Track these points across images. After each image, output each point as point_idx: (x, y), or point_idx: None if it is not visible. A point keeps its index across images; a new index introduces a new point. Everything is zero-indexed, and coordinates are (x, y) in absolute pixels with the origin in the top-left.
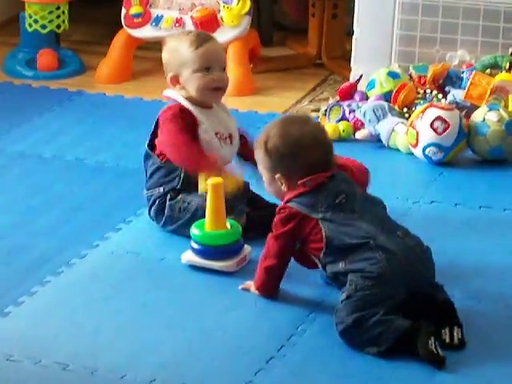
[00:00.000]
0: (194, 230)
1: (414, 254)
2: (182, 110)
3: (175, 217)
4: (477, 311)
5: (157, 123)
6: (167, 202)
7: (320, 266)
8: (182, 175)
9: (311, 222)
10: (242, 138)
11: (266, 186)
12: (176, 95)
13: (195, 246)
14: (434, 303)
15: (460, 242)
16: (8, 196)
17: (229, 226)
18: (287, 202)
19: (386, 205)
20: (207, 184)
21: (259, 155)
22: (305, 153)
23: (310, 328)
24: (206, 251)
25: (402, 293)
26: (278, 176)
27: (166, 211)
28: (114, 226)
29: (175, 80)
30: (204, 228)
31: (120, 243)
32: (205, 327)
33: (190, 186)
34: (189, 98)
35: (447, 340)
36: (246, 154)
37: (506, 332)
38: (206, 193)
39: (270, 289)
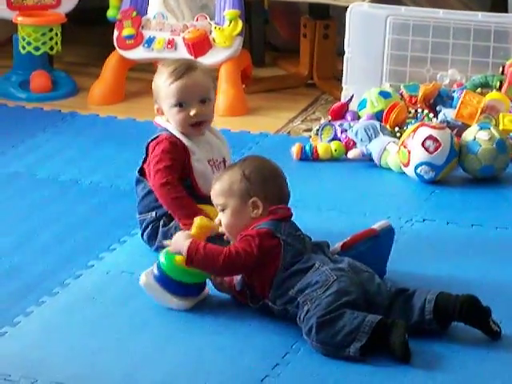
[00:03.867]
0: (162, 259)
1: (361, 270)
2: (172, 142)
3: None
4: (466, 329)
5: (147, 150)
6: (160, 229)
7: (270, 303)
8: None
9: (274, 241)
10: None
11: (229, 218)
12: (166, 124)
13: (158, 273)
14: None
15: (452, 260)
16: (2, 217)
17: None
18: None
19: (329, 244)
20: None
21: (228, 183)
22: (281, 181)
23: (305, 346)
24: (170, 283)
25: (359, 292)
26: (252, 200)
27: (158, 237)
28: (108, 246)
29: (160, 111)
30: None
31: (115, 263)
32: (199, 346)
33: None
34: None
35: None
36: None
37: (499, 348)
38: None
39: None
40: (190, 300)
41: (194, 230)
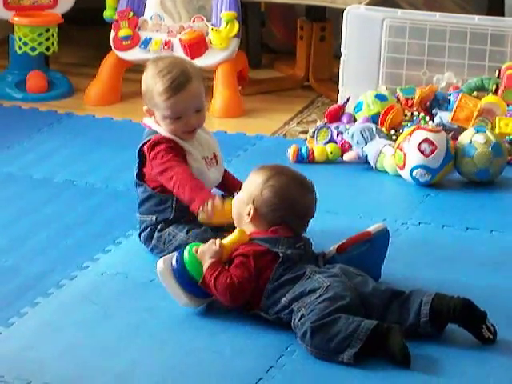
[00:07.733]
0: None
1: (354, 275)
2: (170, 141)
3: (160, 247)
4: (462, 333)
5: (140, 154)
6: (156, 233)
7: (262, 313)
8: (174, 205)
9: (269, 256)
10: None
11: (236, 203)
12: (156, 125)
13: (176, 266)
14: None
15: (447, 263)
16: None
17: None
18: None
19: (325, 254)
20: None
21: (252, 177)
22: (298, 209)
23: (299, 349)
24: (186, 280)
25: (353, 296)
26: (250, 207)
27: (153, 241)
28: (103, 247)
29: (150, 113)
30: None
31: (109, 264)
32: (194, 348)
33: (183, 216)
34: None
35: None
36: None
37: (493, 353)
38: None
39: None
40: (198, 300)
41: (229, 241)
